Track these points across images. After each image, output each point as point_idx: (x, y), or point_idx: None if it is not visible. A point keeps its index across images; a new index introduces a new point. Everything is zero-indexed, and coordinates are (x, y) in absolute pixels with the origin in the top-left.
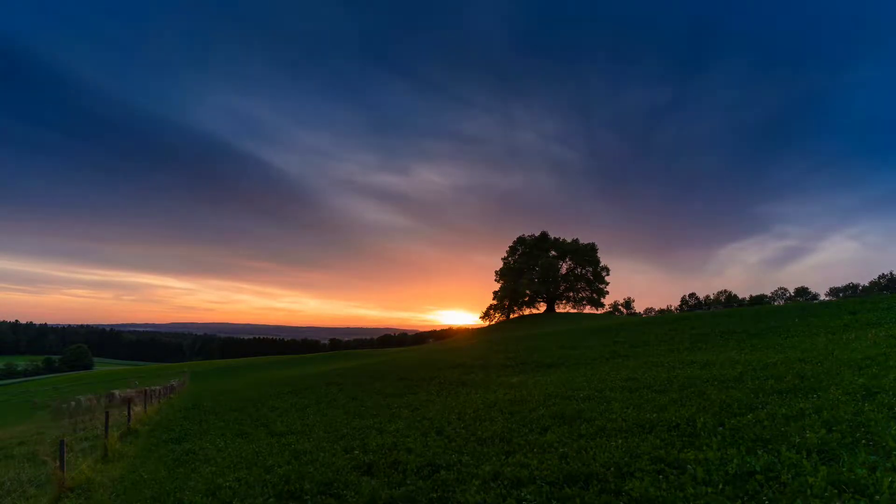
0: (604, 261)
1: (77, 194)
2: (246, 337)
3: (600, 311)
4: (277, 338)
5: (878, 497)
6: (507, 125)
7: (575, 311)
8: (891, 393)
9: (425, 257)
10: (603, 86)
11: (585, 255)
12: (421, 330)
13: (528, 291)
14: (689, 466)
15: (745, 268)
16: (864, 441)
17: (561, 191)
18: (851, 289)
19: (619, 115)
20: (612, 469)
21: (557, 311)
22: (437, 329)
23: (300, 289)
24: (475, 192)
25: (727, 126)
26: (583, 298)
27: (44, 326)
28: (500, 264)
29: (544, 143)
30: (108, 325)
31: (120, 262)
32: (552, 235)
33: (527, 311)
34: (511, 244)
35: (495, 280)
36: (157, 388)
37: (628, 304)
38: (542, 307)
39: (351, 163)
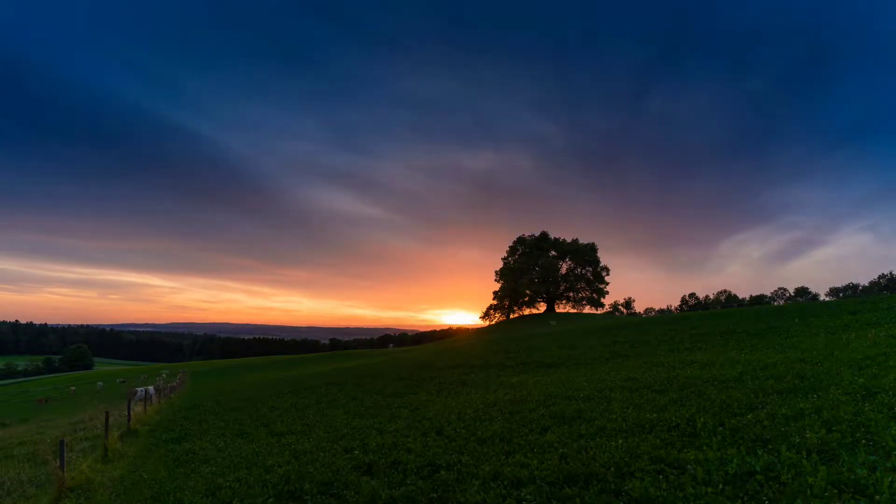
0: (600, 254)
1: (39, 187)
2: (246, 337)
3: (600, 311)
4: (277, 338)
5: (878, 497)
6: (475, 89)
7: (575, 311)
8: (891, 393)
9: (407, 252)
10: (581, 38)
11: (585, 255)
12: (421, 330)
13: (528, 291)
14: (689, 466)
15: (748, 263)
16: (864, 441)
17: (540, 171)
18: (851, 289)
19: (603, 77)
20: (612, 469)
21: (557, 311)
22: (437, 329)
23: (286, 287)
24: (444, 174)
25: (724, 96)
26: (583, 298)
27: (44, 326)
28: (485, 259)
29: (518, 115)
30: (108, 325)
31: (95, 259)
32: (552, 235)
33: (527, 311)
34: (511, 244)
35: (495, 280)
36: (174, 383)
37: (628, 304)
38: (542, 307)
39: (304, 140)
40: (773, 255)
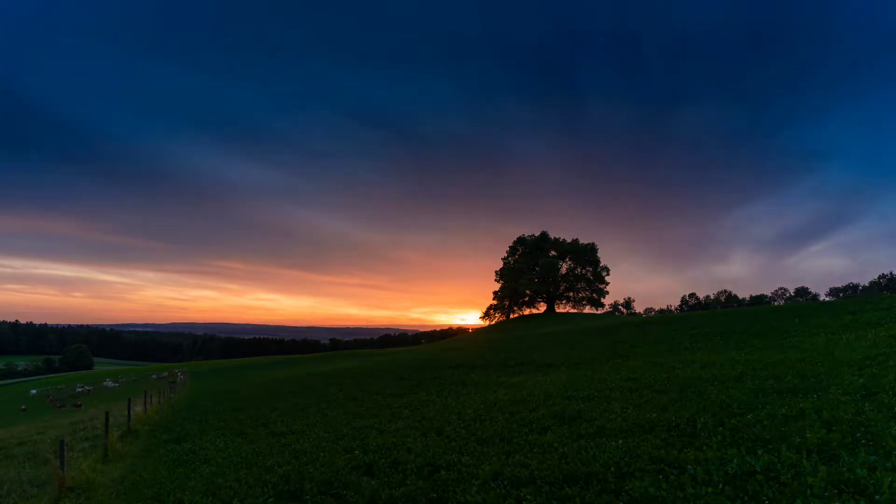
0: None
1: None
2: (246, 337)
3: (600, 311)
4: (277, 338)
5: (878, 497)
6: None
7: (575, 311)
8: (891, 393)
9: (348, 236)
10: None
11: (585, 255)
12: (421, 330)
13: (528, 291)
14: (689, 466)
15: (756, 246)
16: (864, 441)
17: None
18: (851, 289)
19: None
20: (612, 469)
21: (557, 311)
22: (437, 329)
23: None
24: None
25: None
26: (583, 298)
27: (44, 326)
28: (436, 245)
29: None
30: (108, 325)
31: None
32: (552, 235)
33: (527, 311)
34: (511, 244)
35: (495, 280)
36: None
37: (628, 304)
38: (542, 307)
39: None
40: (775, 253)
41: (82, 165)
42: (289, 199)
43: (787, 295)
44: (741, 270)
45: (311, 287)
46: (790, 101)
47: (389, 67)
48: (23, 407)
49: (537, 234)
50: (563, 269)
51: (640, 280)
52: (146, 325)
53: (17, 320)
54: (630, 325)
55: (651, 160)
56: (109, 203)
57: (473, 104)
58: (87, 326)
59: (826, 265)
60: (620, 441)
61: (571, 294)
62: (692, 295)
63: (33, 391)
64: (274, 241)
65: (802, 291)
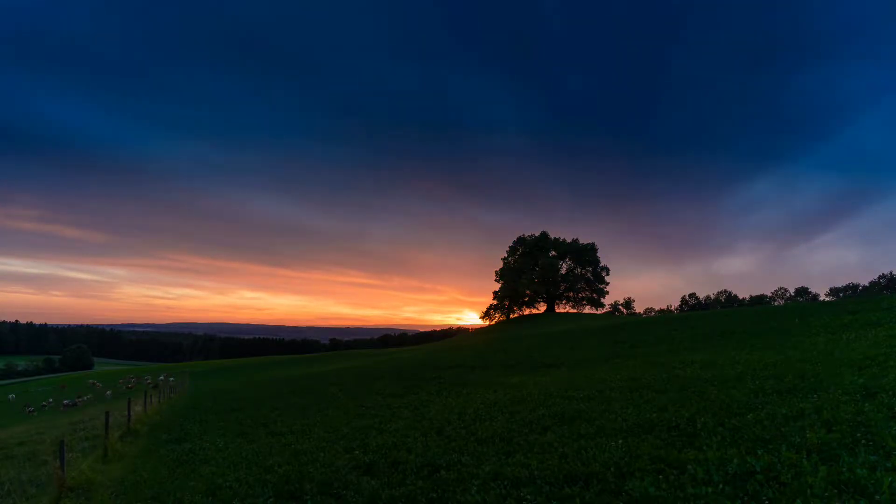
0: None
1: None
2: (246, 337)
3: (600, 311)
4: (277, 338)
5: (878, 497)
6: None
7: (575, 311)
8: (891, 393)
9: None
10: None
11: (585, 255)
12: (421, 330)
13: (528, 291)
14: (689, 466)
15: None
16: (864, 441)
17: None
18: (851, 289)
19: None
20: (612, 469)
21: (557, 311)
22: (438, 329)
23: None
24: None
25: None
26: (583, 299)
27: (44, 326)
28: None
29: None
30: (108, 325)
31: None
32: (552, 235)
33: (527, 311)
34: (511, 244)
35: (495, 280)
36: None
37: (628, 304)
38: (543, 307)
39: None
40: (776, 250)
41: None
42: (255, 191)
43: (788, 295)
44: (743, 265)
45: (296, 285)
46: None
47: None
48: (30, 408)
49: (537, 234)
50: (563, 269)
51: (635, 276)
52: (146, 325)
53: (17, 320)
54: (630, 325)
55: (639, 130)
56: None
57: (434, 80)
58: (88, 326)
59: (839, 256)
60: (620, 441)
61: (571, 294)
62: (692, 295)
63: (11, 395)
64: (251, 237)
65: (802, 291)
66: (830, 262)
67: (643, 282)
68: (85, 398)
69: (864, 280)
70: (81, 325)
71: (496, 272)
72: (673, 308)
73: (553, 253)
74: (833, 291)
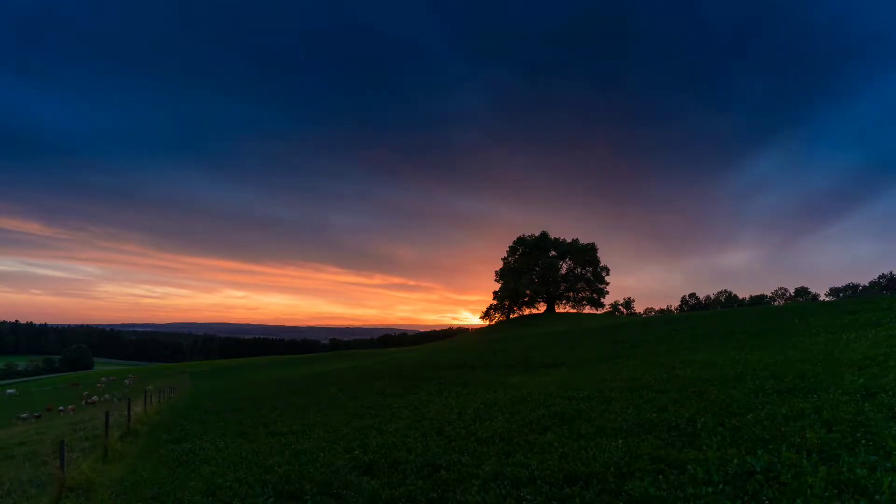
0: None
1: None
2: (246, 337)
3: (600, 311)
4: (277, 338)
5: (878, 497)
6: None
7: (575, 311)
8: (891, 393)
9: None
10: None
11: (585, 255)
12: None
13: (528, 291)
14: (689, 466)
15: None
16: (864, 441)
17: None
18: (851, 289)
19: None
20: (612, 469)
21: (557, 311)
22: (438, 329)
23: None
24: None
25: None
26: (583, 299)
27: (44, 326)
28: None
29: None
30: (108, 325)
31: None
32: (552, 235)
33: (527, 311)
34: (511, 244)
35: (495, 280)
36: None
37: (628, 304)
38: (543, 307)
39: None
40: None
41: None
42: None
43: (787, 295)
44: (743, 259)
45: (277, 282)
46: None
47: None
48: (46, 408)
49: (537, 234)
50: (563, 269)
51: (630, 272)
52: (146, 325)
53: (16, 320)
54: (630, 325)
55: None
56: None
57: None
58: (87, 326)
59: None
60: (620, 441)
61: (571, 294)
62: (692, 295)
63: (11, 391)
64: (233, 234)
65: (802, 291)
66: (841, 254)
67: (640, 278)
68: (102, 398)
69: (863, 280)
70: (81, 325)
71: (496, 272)
72: (673, 308)
73: (553, 253)
74: (833, 291)
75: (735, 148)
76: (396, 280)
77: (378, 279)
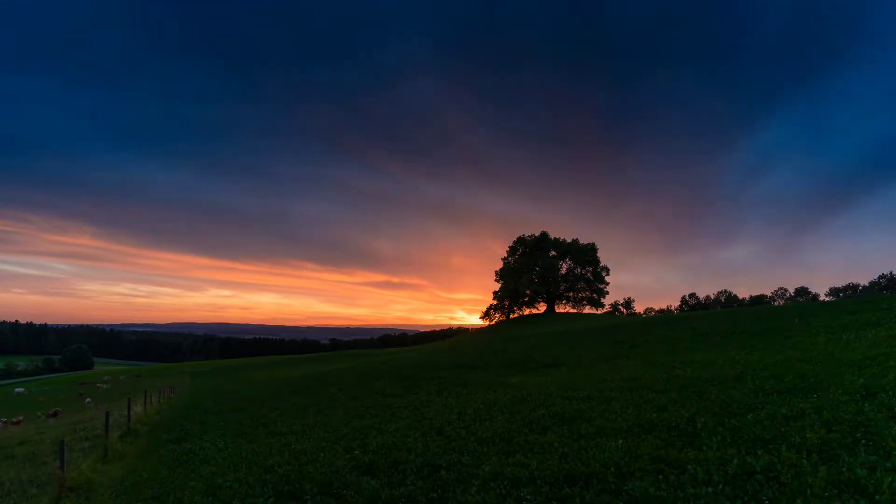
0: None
1: None
2: (246, 337)
3: (600, 311)
4: (277, 338)
5: (878, 497)
6: None
7: (575, 311)
8: (891, 393)
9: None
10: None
11: (585, 255)
12: (422, 330)
13: (528, 291)
14: (689, 466)
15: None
16: (864, 441)
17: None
18: (851, 289)
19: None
20: (612, 469)
21: (557, 311)
22: (438, 329)
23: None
24: None
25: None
26: (583, 299)
27: (44, 326)
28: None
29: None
30: (108, 325)
31: None
32: (552, 235)
33: (527, 311)
34: (511, 244)
35: (495, 280)
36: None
37: (628, 304)
38: (542, 307)
39: None
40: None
41: None
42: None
43: (787, 295)
44: (744, 254)
45: (267, 280)
46: None
47: None
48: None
49: (537, 234)
50: (563, 269)
51: (629, 269)
52: (146, 325)
53: (17, 320)
54: (630, 325)
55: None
56: None
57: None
58: (87, 326)
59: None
60: (620, 441)
61: (571, 294)
62: (692, 295)
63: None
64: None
65: (802, 291)
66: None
67: (637, 276)
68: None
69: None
70: (81, 325)
71: (496, 272)
72: (673, 308)
73: (553, 253)
74: (833, 291)
75: (736, 122)
76: (379, 277)
77: (360, 276)
